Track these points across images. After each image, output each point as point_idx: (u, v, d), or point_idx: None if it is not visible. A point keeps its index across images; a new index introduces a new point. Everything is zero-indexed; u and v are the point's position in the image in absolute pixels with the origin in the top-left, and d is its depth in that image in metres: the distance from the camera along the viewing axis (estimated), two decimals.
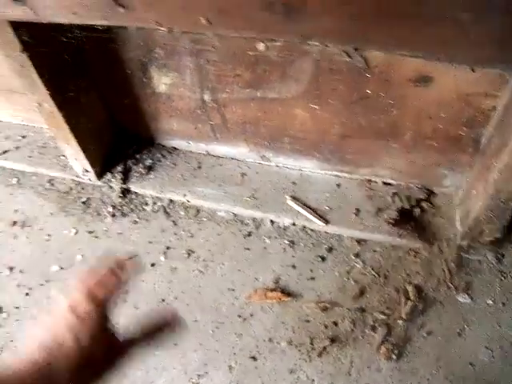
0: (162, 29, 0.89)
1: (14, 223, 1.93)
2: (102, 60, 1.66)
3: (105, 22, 0.91)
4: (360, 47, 1.20)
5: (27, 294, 1.73)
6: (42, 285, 1.75)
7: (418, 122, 1.53)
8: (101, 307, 0.67)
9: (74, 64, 1.65)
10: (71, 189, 1.99)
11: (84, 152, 1.81)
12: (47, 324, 0.65)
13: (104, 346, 0.67)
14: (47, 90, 1.54)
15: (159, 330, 0.74)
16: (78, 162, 1.86)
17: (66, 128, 1.70)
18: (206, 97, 1.67)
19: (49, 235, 1.87)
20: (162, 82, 1.68)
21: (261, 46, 1.40)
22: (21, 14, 1.04)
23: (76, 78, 1.68)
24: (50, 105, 1.61)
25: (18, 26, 1.27)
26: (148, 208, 1.88)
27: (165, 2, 0.82)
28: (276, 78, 1.52)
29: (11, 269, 1.80)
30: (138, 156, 1.96)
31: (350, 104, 1.53)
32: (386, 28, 0.78)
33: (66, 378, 0.62)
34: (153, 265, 1.75)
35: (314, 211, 1.73)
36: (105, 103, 1.84)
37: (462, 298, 1.59)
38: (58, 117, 1.65)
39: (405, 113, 1.51)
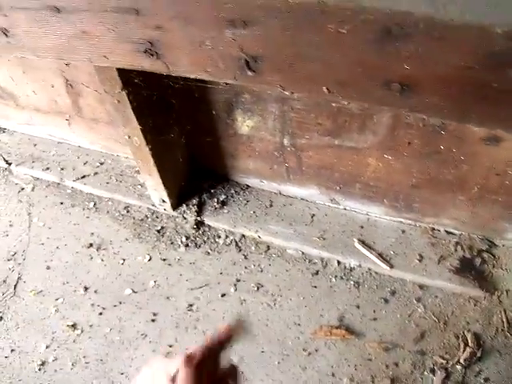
0: (285, 92, 1.01)
1: (90, 245, 2.05)
2: (189, 99, 1.77)
3: (233, 82, 1.03)
4: (458, 122, 1.30)
5: (100, 313, 1.85)
6: (115, 306, 1.86)
7: (486, 178, 1.61)
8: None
9: (164, 102, 1.77)
10: (147, 217, 2.11)
11: (163, 184, 1.92)
12: None
13: None
14: (139, 124, 1.66)
15: None
16: (157, 192, 1.97)
17: (150, 161, 1.81)
18: (286, 141, 1.77)
19: (123, 259, 1.98)
20: (245, 124, 1.79)
21: None
22: (152, 67, 1.16)
23: (165, 115, 1.81)
24: (139, 139, 1.72)
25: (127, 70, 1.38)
26: (220, 241, 1.98)
27: (292, 71, 0.94)
28: (355, 129, 1.62)
29: (86, 288, 1.91)
30: (212, 191, 2.08)
31: (423, 157, 1.62)
32: (485, 110, 0.88)
33: None
34: (223, 295, 1.84)
35: (380, 255, 1.82)
36: (187, 139, 1.96)
37: None
38: (145, 150, 1.77)
39: (474, 169, 1.59)
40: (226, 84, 1.60)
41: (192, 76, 1.10)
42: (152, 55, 1.10)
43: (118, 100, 1.57)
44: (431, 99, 0.88)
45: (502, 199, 1.67)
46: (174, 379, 0.69)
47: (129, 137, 1.74)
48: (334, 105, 1.57)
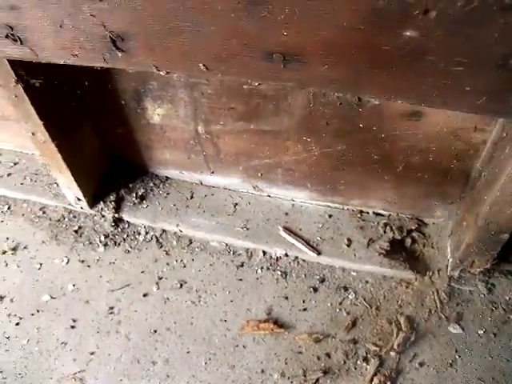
0: (160, 73, 0.90)
1: (4, 252, 1.92)
2: (95, 90, 1.67)
3: (104, 65, 0.92)
4: (356, 95, 1.22)
5: (17, 323, 1.73)
6: (32, 314, 1.74)
7: (409, 155, 1.55)
8: None
9: (68, 95, 1.66)
10: (63, 217, 1.99)
11: (76, 181, 1.81)
12: None
13: None
14: (41, 120, 1.55)
15: None
16: (71, 190, 1.86)
17: (58, 157, 1.70)
18: (200, 128, 1.68)
19: (40, 264, 1.87)
20: (155, 113, 1.69)
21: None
22: (20, 53, 1.04)
23: (70, 108, 1.69)
24: (43, 134, 1.61)
25: (13, 60, 1.28)
26: (140, 237, 1.88)
27: (165, 48, 0.83)
28: (269, 112, 1.54)
29: (1, 298, 1.79)
30: (130, 185, 1.97)
31: (343, 137, 1.54)
32: (381, 79, 0.79)
33: None
34: (145, 295, 1.75)
35: (307, 242, 1.75)
36: (98, 133, 1.85)
37: (454, 329, 1.60)
38: (51, 146, 1.66)
39: (396, 146, 1.53)
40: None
41: (61, 61, 1.00)
42: (15, 41, 0.99)
43: (15, 95, 1.47)
44: (319, 70, 0.79)
45: (427, 176, 1.62)
46: None
47: (33, 133, 1.63)
48: (244, 87, 1.48)
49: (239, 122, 1.61)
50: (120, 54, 0.88)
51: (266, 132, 1.62)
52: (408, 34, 0.68)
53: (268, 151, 1.69)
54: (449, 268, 1.68)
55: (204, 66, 0.84)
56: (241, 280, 1.75)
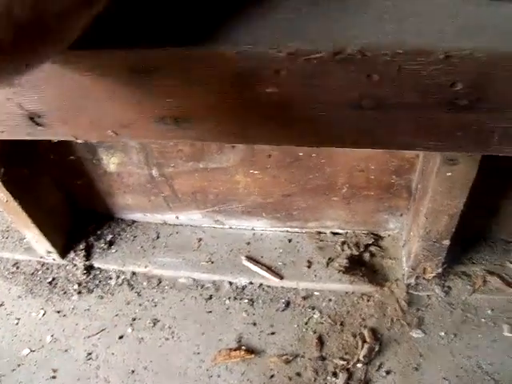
0: (79, 141, 0.98)
1: None
2: (50, 147, 1.72)
3: (29, 138, 0.99)
4: (247, 144, 1.31)
5: None
6: (13, 370, 1.77)
7: (351, 176, 1.63)
8: None
9: (25, 151, 1.71)
10: (37, 270, 2.04)
11: (44, 235, 1.87)
12: None
13: None
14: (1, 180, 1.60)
15: None
16: (40, 244, 1.91)
17: (23, 215, 1.76)
18: (154, 172, 1.75)
19: (18, 319, 1.91)
20: (110, 162, 1.76)
21: None
22: None
23: (27, 164, 1.75)
24: (4, 194, 1.67)
25: None
26: (112, 282, 1.94)
27: (76, 122, 0.92)
28: (214, 150, 1.62)
29: None
30: (98, 232, 2.03)
31: (286, 167, 1.62)
32: (263, 130, 0.87)
33: None
34: (121, 337, 1.79)
35: (269, 268, 1.81)
36: (60, 187, 1.92)
37: (416, 334, 1.67)
38: (14, 204, 1.71)
39: (337, 169, 1.61)
40: None
41: None
42: None
43: None
44: (209, 127, 0.87)
45: (373, 193, 1.69)
46: None
47: None
48: None
49: (189, 163, 1.69)
50: (40, 128, 0.95)
51: (215, 169, 1.69)
52: (270, 90, 0.77)
53: (221, 186, 1.76)
54: (405, 277, 1.74)
55: (113, 132, 0.92)
56: (210, 312, 1.81)
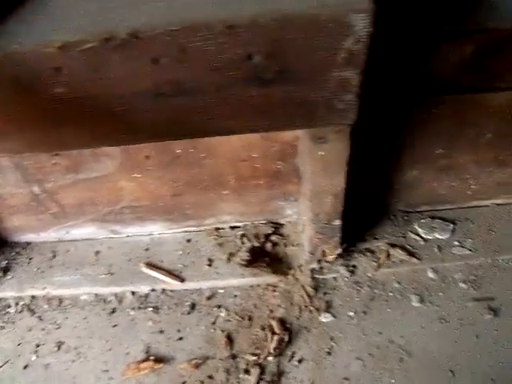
0: None
1: None
2: None
3: None
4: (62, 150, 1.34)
5: None
6: None
7: (236, 167, 1.59)
8: None
9: None
10: None
11: None
12: None
13: None
14: None
15: None
16: None
17: None
18: (35, 189, 1.68)
19: None
20: None
21: None
22: None
23: None
24: None
25: None
26: (12, 310, 1.85)
27: None
28: (90, 159, 1.55)
29: None
30: None
31: (167, 166, 1.57)
32: (68, 134, 0.83)
33: None
34: (25, 367, 1.71)
35: (169, 272, 1.76)
36: None
37: (325, 318, 1.65)
38: None
39: (219, 161, 1.57)
40: None
41: None
42: None
43: None
44: (17, 137, 0.81)
45: (262, 182, 1.66)
46: None
47: None
48: None
49: (68, 175, 1.62)
50: None
51: (97, 178, 1.63)
52: (59, 90, 0.73)
53: (107, 195, 1.70)
54: (308, 262, 1.72)
55: None
56: (115, 326, 1.74)
